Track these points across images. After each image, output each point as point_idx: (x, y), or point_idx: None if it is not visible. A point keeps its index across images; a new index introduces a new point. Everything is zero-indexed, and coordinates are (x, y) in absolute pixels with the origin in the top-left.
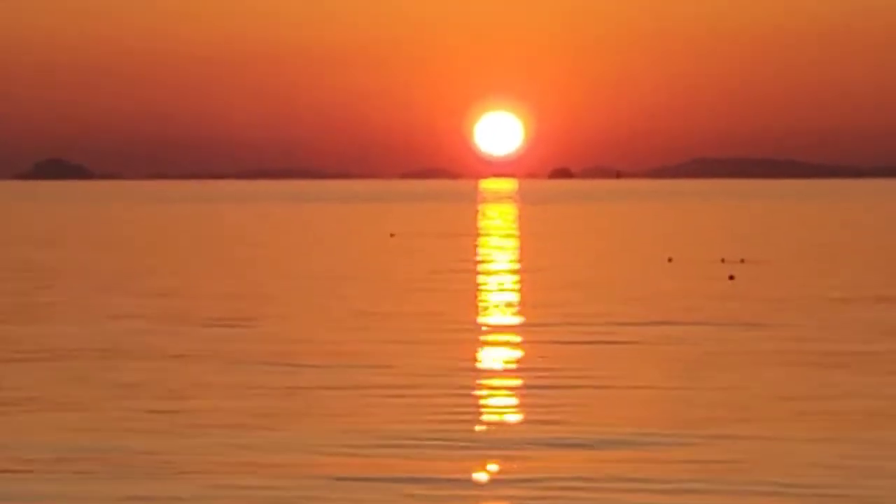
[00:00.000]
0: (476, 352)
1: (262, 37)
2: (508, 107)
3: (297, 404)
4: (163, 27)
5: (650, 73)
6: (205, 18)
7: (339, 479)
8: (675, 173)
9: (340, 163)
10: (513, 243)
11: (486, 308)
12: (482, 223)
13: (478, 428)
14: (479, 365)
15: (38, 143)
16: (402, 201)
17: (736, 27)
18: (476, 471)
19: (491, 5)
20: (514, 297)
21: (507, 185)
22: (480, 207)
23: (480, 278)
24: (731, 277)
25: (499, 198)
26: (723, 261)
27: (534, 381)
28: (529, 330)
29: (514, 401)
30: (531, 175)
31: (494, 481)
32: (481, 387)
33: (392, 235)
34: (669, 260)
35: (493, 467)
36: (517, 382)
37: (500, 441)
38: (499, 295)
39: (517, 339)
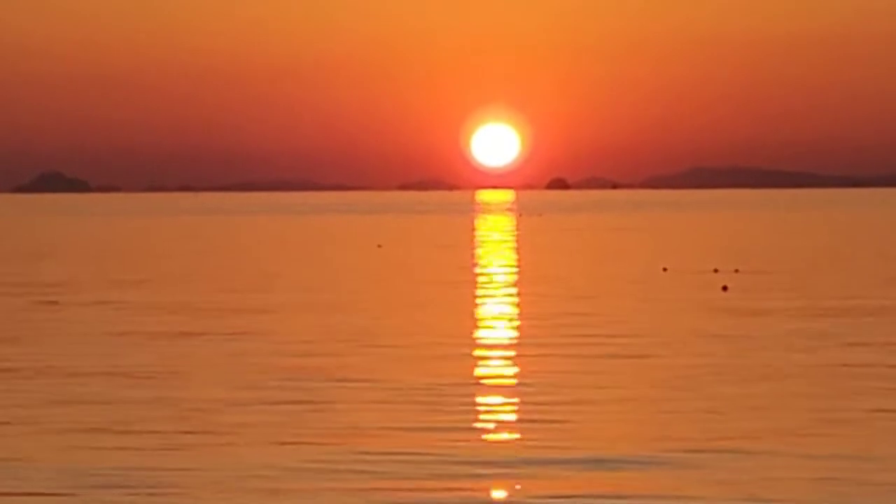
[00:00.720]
0: (453, 368)
1: (260, 50)
2: (505, 118)
3: (277, 422)
4: (161, 41)
5: (646, 84)
6: (204, 32)
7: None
8: (671, 183)
9: (337, 175)
10: (508, 254)
11: (475, 321)
12: (472, 234)
13: (473, 445)
14: (450, 381)
15: (36, 157)
16: (396, 212)
17: (732, 37)
18: (474, 490)
19: (487, 17)
20: (508, 309)
21: (503, 195)
22: (471, 217)
23: (466, 289)
24: (725, 288)
25: (493, 209)
26: (716, 271)
27: (526, 395)
28: (521, 343)
29: (509, 417)
30: (528, 186)
31: (493, 501)
32: (472, 403)
33: (379, 246)
34: (664, 270)
35: (490, 486)
36: (510, 399)
37: (495, 462)
38: (486, 307)
39: (509, 352)
